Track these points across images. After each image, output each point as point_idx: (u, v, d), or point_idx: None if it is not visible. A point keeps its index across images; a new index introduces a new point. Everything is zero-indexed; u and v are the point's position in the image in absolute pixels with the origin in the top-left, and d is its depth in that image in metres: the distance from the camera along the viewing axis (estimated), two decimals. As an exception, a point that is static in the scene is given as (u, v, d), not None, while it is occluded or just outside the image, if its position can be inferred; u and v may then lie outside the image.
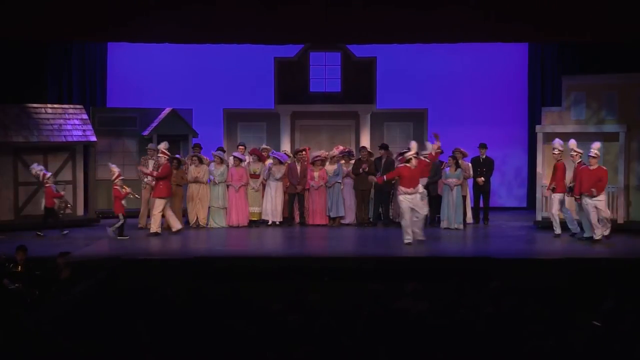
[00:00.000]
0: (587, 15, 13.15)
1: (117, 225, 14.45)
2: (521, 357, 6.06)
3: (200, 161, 15.84)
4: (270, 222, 16.02)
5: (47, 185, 14.78)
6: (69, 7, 13.01)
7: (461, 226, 15.49)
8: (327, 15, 13.30)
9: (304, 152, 16.40)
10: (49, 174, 14.90)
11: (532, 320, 6.96)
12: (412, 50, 17.94)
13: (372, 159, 16.38)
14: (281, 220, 16.12)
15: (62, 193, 15.19)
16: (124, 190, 14.69)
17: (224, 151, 16.61)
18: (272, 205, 16.06)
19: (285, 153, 16.80)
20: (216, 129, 18.25)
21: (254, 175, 16.06)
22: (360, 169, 16.04)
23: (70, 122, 16.29)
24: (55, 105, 16.68)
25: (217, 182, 15.76)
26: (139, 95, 18.41)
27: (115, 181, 14.71)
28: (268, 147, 16.77)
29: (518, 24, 13.73)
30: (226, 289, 8.69)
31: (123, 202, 14.69)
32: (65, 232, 14.72)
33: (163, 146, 15.04)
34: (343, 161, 16.37)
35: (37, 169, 14.90)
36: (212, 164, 15.95)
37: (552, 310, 7.44)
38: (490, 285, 8.90)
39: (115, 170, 14.82)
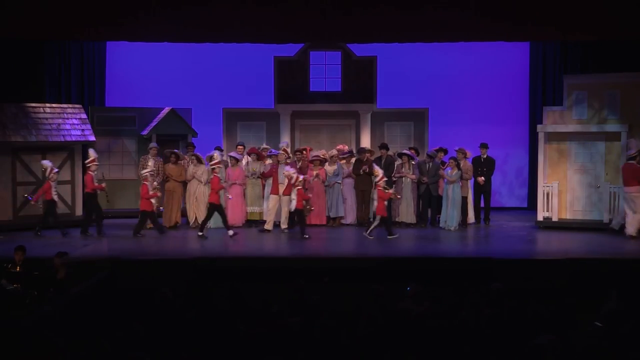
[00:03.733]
0: (589, 13, 13.12)
1: (156, 227, 14.58)
2: (522, 358, 6.01)
3: (199, 161, 15.77)
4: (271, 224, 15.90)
5: (50, 182, 14.66)
6: (68, 6, 12.96)
7: (453, 228, 15.39)
8: (327, 14, 13.26)
9: (304, 152, 16.33)
10: (56, 170, 14.82)
11: (534, 320, 6.92)
12: (412, 49, 17.87)
13: (373, 158, 16.31)
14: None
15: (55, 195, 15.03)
16: (153, 191, 14.71)
17: (222, 150, 16.53)
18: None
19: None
20: (215, 129, 18.19)
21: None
22: (361, 170, 15.97)
23: (69, 121, 16.23)
24: (54, 105, 16.63)
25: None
26: (138, 95, 18.35)
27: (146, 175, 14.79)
28: (267, 146, 16.66)
29: (519, 23, 13.69)
30: (225, 290, 8.63)
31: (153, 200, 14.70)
32: (66, 232, 14.63)
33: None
34: (343, 161, 16.30)
35: (47, 164, 14.78)
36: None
37: (554, 310, 7.41)
38: (491, 285, 8.84)
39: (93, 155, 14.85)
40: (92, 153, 14.99)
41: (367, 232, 14.46)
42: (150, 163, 15.68)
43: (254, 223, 16.01)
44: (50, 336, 6.43)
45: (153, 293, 8.36)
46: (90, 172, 14.75)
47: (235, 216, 15.85)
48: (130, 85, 18.60)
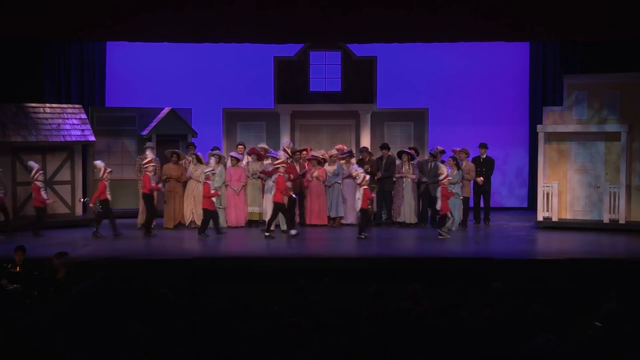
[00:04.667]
0: (589, 13, 13.12)
1: (214, 226, 14.65)
2: (522, 358, 6.00)
3: (199, 161, 15.76)
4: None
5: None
6: (68, 6, 12.96)
7: (453, 228, 15.34)
8: (327, 13, 13.26)
9: (304, 152, 16.32)
10: (109, 170, 14.84)
11: (534, 320, 6.90)
12: (412, 49, 17.87)
13: (374, 158, 16.31)
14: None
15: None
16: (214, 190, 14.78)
17: (218, 150, 16.48)
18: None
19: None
20: (215, 129, 18.15)
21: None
22: (363, 170, 15.94)
23: (69, 121, 16.22)
24: (54, 105, 16.63)
25: (219, 193, 15.58)
26: (138, 95, 18.34)
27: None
28: (267, 146, 16.58)
29: (519, 23, 13.69)
30: (225, 290, 8.62)
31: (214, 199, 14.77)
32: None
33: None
34: (343, 161, 16.28)
35: (100, 164, 14.84)
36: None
37: (554, 310, 7.37)
38: (491, 285, 8.83)
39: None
40: (149, 154, 15.06)
41: (439, 233, 14.47)
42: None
43: (254, 223, 16.00)
44: (50, 336, 6.39)
45: (153, 293, 8.32)
46: (147, 172, 14.74)
47: (238, 216, 15.85)
48: (130, 85, 18.59)
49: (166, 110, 17.33)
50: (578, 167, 15.73)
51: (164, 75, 18.50)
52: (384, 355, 6.22)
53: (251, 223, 16.01)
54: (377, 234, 15.21)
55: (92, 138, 16.33)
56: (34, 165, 14.91)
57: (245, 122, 18.39)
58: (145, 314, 7.37)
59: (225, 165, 15.97)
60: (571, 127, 15.66)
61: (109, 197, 14.72)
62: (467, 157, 16.14)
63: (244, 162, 16.14)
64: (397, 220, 16.12)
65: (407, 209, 16.03)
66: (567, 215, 15.79)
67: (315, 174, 15.97)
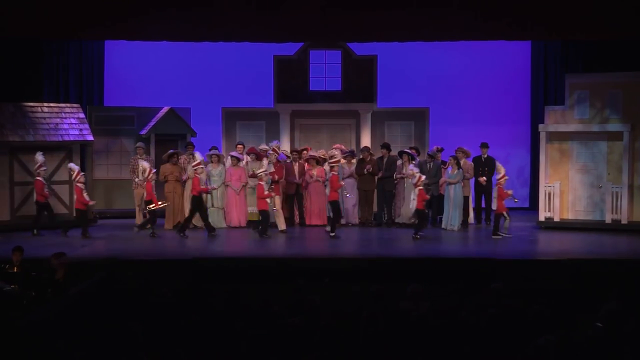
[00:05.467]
0: (590, 13, 13.07)
1: (261, 228, 14.51)
2: (523, 358, 5.98)
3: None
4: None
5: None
6: (66, 4, 12.90)
7: (456, 228, 15.30)
8: (327, 12, 13.19)
9: (304, 152, 16.24)
10: (154, 170, 14.86)
11: (535, 321, 6.88)
12: (413, 48, 17.80)
13: (375, 158, 16.21)
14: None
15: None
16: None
17: (216, 149, 16.40)
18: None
19: (284, 153, 16.61)
20: (215, 128, 18.08)
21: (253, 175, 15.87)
22: (365, 170, 15.86)
23: (67, 121, 16.14)
24: (52, 104, 16.54)
25: (216, 187, 15.52)
26: (137, 94, 18.28)
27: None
28: (266, 146, 16.49)
29: (521, 22, 13.64)
30: (225, 290, 8.56)
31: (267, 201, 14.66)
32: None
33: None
34: (343, 161, 16.18)
35: (146, 164, 14.82)
36: (209, 165, 15.74)
37: (555, 311, 7.35)
38: (492, 286, 8.76)
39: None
40: (198, 156, 14.95)
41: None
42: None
43: (254, 223, 15.89)
44: (49, 337, 6.37)
45: (152, 294, 8.32)
46: (197, 174, 14.63)
47: (238, 216, 15.75)
48: (128, 85, 18.52)
49: (165, 109, 17.26)
50: (580, 166, 15.65)
51: (163, 74, 18.44)
52: (384, 356, 6.20)
53: (251, 223, 15.90)
54: (377, 234, 15.14)
55: (91, 138, 16.24)
56: (74, 167, 14.90)
57: (245, 121, 18.30)
58: (144, 315, 7.36)
59: (225, 165, 15.88)
60: (573, 127, 15.59)
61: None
62: (466, 156, 16.04)
63: (243, 161, 16.04)
64: (398, 221, 16.02)
65: (407, 209, 15.91)
66: (569, 216, 15.72)
67: (314, 172, 15.86)
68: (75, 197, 14.77)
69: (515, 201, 15.14)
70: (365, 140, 17.67)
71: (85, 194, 14.69)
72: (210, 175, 15.64)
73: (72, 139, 16.01)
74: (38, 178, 14.72)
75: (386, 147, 16.28)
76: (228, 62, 18.54)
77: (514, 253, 13.04)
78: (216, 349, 6.44)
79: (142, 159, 15.78)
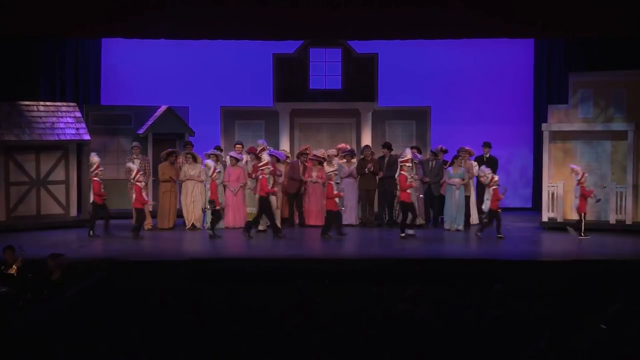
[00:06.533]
0: (595, 10, 12.98)
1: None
2: (525, 360, 5.91)
3: (195, 160, 15.54)
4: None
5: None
6: (64, 2, 12.82)
7: (461, 227, 15.16)
8: (327, 10, 13.11)
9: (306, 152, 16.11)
10: (218, 170, 14.79)
11: (538, 323, 6.83)
12: (414, 46, 17.73)
13: (376, 157, 16.04)
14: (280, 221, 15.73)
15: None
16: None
17: (221, 150, 16.26)
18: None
19: (283, 152, 16.46)
20: (213, 127, 18.00)
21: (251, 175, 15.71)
22: (366, 169, 15.70)
23: (63, 120, 15.98)
24: (48, 103, 16.40)
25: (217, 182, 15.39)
26: (134, 93, 18.18)
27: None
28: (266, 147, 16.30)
29: (523, 20, 13.56)
30: (223, 292, 8.47)
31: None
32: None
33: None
34: (344, 160, 16.02)
35: (211, 163, 14.68)
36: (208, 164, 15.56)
37: (558, 312, 7.33)
38: (494, 287, 8.64)
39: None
40: (266, 157, 14.70)
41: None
42: (136, 162, 15.56)
43: (247, 223, 15.70)
44: (46, 339, 6.31)
45: (150, 294, 8.25)
46: (264, 175, 14.38)
47: (235, 217, 15.58)
48: (126, 83, 18.41)
49: (163, 108, 17.15)
50: (584, 166, 15.46)
51: (161, 72, 18.34)
52: (385, 357, 6.15)
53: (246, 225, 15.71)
54: (378, 234, 15.01)
55: (87, 137, 16.09)
56: (133, 166, 14.87)
57: (244, 120, 18.18)
58: (142, 315, 7.33)
59: (224, 165, 15.72)
60: (576, 126, 15.48)
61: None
62: (468, 155, 15.89)
63: (243, 161, 15.87)
64: (399, 220, 15.82)
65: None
66: (573, 216, 15.51)
67: (315, 173, 15.69)
68: (134, 196, 14.67)
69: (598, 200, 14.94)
70: (366, 140, 17.53)
71: (144, 194, 14.67)
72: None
73: (68, 138, 15.85)
74: (95, 179, 14.60)
75: (387, 146, 16.13)
76: (227, 60, 18.42)
77: (516, 254, 12.94)
78: (215, 350, 6.39)
79: (138, 158, 15.66)
